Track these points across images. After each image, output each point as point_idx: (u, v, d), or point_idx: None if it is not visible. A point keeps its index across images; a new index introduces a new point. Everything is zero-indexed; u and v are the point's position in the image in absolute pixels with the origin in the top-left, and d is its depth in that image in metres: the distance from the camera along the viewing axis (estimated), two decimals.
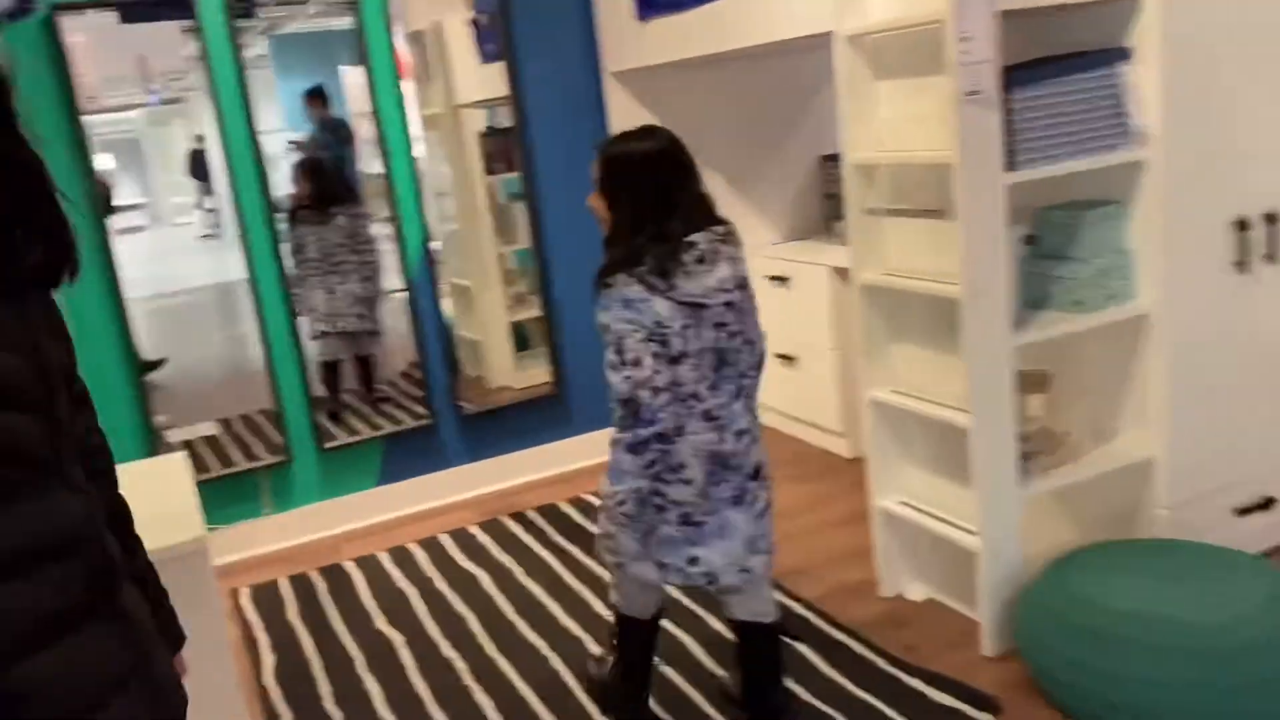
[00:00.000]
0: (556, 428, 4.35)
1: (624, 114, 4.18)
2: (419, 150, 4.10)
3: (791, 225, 4.59)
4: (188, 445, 3.95)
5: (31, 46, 3.34)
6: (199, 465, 3.88)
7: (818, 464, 4.11)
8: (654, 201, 2.07)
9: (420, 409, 4.11)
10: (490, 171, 4.34)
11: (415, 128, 4.04)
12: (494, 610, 3.19)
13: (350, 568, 3.63)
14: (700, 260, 2.05)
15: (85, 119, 3.43)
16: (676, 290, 2.03)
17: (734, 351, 2.12)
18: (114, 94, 3.68)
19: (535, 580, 3.36)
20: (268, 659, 3.06)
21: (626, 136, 2.20)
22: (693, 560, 2.18)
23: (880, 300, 2.88)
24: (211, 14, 3.57)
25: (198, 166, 4.08)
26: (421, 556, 3.65)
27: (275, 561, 3.77)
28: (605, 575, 3.29)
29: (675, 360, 2.05)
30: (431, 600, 3.31)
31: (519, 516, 3.89)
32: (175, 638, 1.33)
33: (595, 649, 2.88)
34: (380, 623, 3.20)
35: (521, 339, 4.45)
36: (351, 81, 4.02)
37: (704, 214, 2.13)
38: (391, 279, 4.13)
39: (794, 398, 4.38)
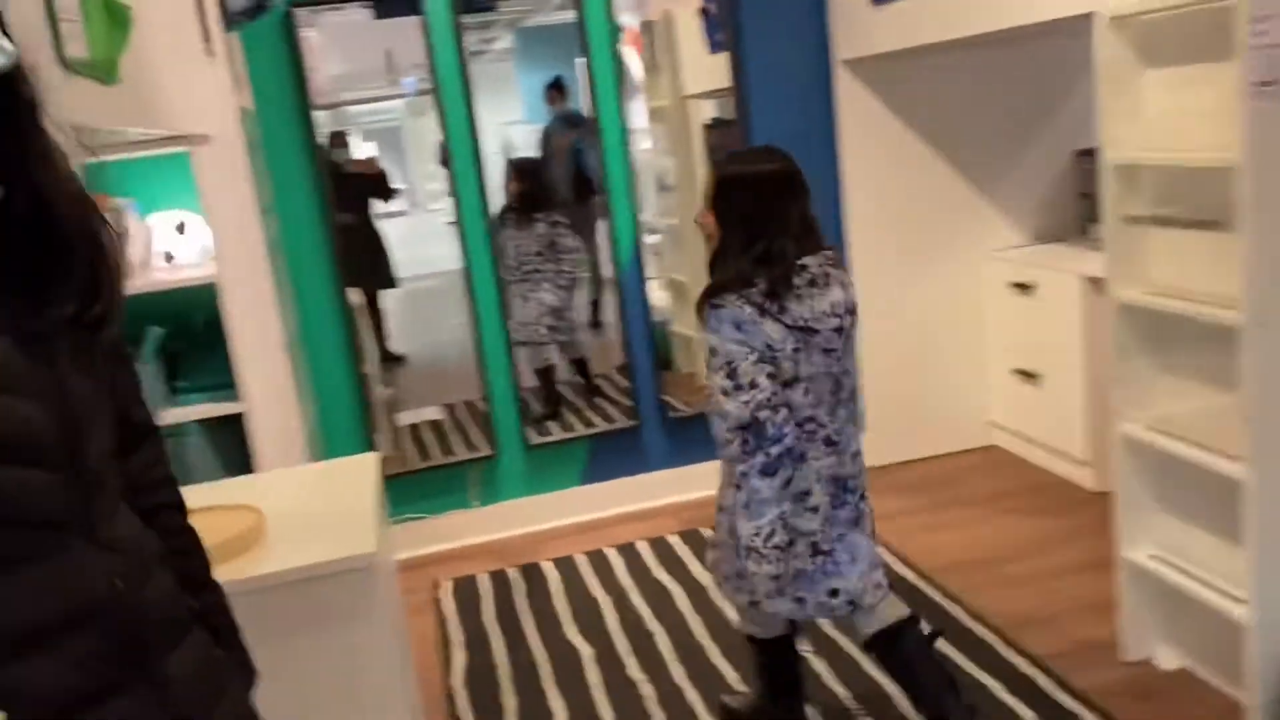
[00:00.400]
0: None
1: (854, 104, 3.90)
2: (644, 143, 4.01)
3: (1039, 226, 4.15)
4: (413, 429, 4.05)
5: (269, 43, 3.47)
6: (421, 451, 3.95)
7: (1056, 496, 3.69)
8: (766, 222, 2.02)
9: (628, 409, 4.01)
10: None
11: (641, 120, 3.96)
12: (685, 630, 3.03)
13: (548, 568, 3.57)
14: (812, 283, 2.01)
15: (349, 109, 3.55)
16: (787, 313, 1.98)
17: (844, 375, 2.08)
18: (362, 87, 3.80)
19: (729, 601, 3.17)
20: (458, 659, 3.04)
21: (746, 156, 2.18)
22: (833, 593, 2.13)
23: (1140, 322, 2.49)
24: (437, 9, 3.58)
25: (447, 155, 4.19)
26: (618, 563, 3.54)
27: (478, 555, 3.78)
28: None
29: (788, 384, 2.00)
30: (623, 612, 3.19)
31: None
32: (248, 674, 1.25)
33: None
34: (571, 631, 3.11)
35: None
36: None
37: (814, 237, 2.08)
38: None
39: (1033, 419, 3.96)
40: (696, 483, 4.04)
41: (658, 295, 4.08)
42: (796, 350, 1.99)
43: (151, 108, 2.30)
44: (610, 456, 4.00)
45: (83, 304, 0.95)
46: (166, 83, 2.55)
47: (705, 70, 4.03)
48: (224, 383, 2.98)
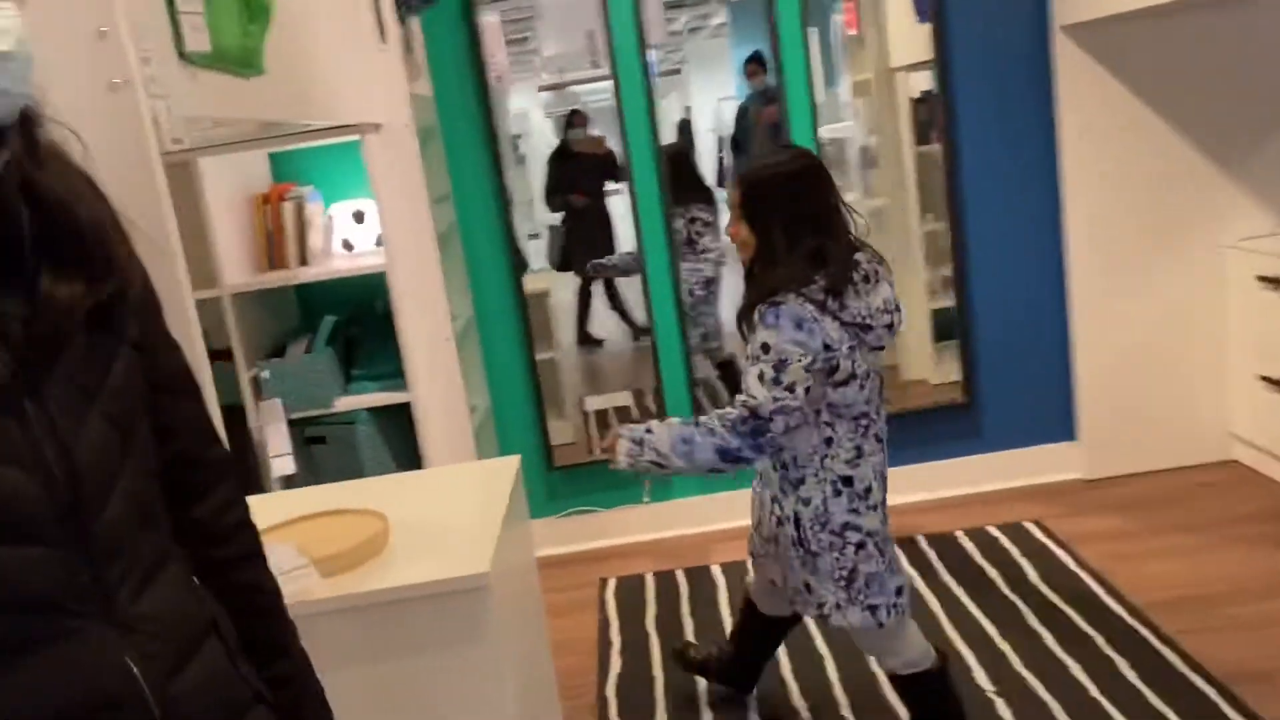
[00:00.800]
0: (963, 441, 3.80)
1: (1076, 75, 3.49)
2: (847, 118, 3.78)
3: None
4: (600, 415, 3.98)
5: (448, 29, 3.44)
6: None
7: None
8: (809, 220, 1.97)
9: None
10: (921, 141, 3.86)
11: (844, 94, 3.72)
12: (858, 659, 2.79)
13: (716, 573, 3.41)
14: (865, 279, 1.99)
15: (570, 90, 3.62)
16: (846, 310, 1.94)
17: (883, 372, 2.08)
18: (578, 67, 3.76)
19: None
20: (615, 665, 2.93)
21: (768, 157, 2.11)
22: (899, 590, 2.09)
23: None
24: None
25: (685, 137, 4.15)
26: None
27: (647, 553, 3.66)
28: (1000, 636, 2.77)
29: (844, 383, 1.96)
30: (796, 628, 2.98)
31: (907, 543, 3.43)
32: None
33: None
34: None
35: (945, 329, 3.95)
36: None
37: (849, 232, 2.04)
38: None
39: None
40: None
41: None
42: (851, 349, 1.95)
43: (311, 99, 2.28)
44: None
45: (90, 281, 0.83)
46: (333, 73, 2.54)
47: (914, 40, 3.72)
48: (396, 371, 2.98)
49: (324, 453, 3.11)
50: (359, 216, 3.28)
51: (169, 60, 1.55)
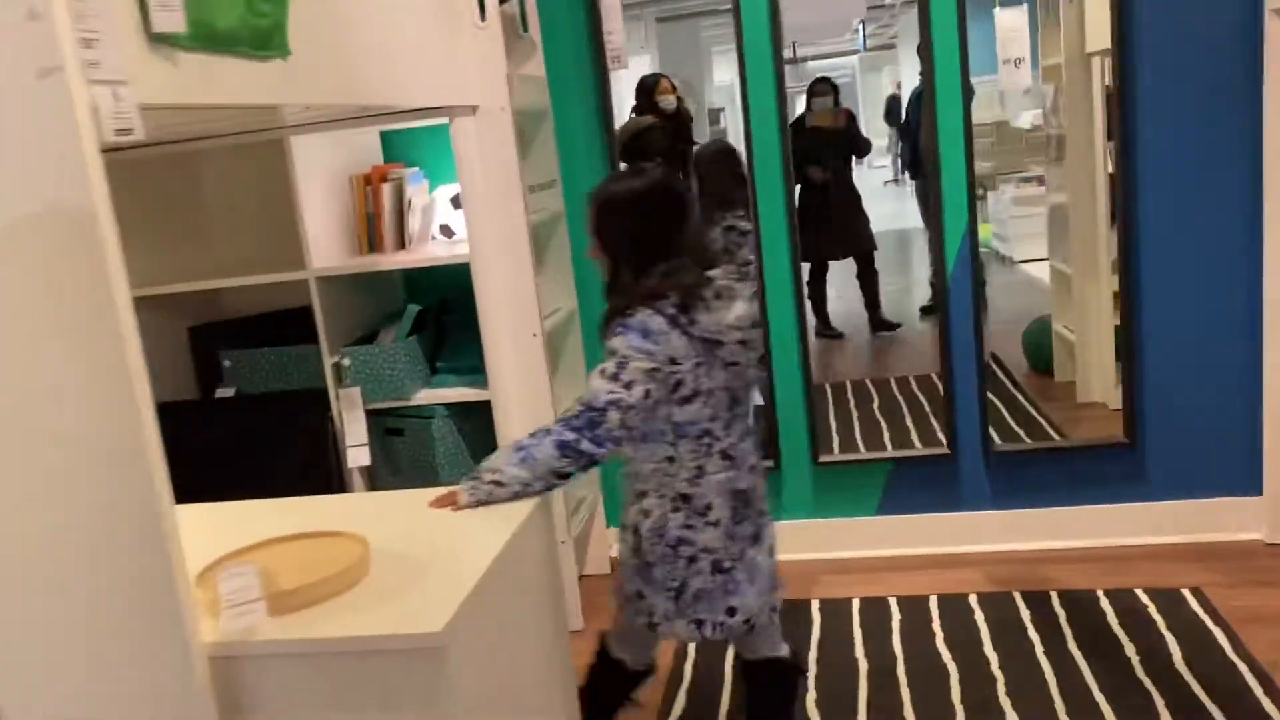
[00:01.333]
0: (1121, 484, 3.33)
1: None
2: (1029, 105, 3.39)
3: None
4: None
5: (566, 5, 3.25)
6: None
7: None
8: (656, 239, 1.99)
9: (939, 434, 3.40)
10: (1114, 135, 3.40)
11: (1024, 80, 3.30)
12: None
13: (814, 610, 3.11)
14: (718, 295, 2.00)
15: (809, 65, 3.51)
16: (696, 325, 1.96)
17: (744, 389, 2.08)
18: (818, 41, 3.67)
19: (1021, 703, 2.52)
20: (677, 706, 2.70)
21: (615, 179, 2.19)
22: (731, 611, 2.07)
23: None
24: None
25: (891, 113, 4.11)
26: (897, 621, 2.99)
27: None
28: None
29: (687, 400, 1.98)
30: (883, 690, 2.66)
31: (1037, 598, 3.02)
32: None
33: None
34: (812, 701, 2.65)
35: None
36: (1003, 24, 3.31)
37: (709, 253, 2.12)
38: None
39: None
40: (1021, 532, 3.36)
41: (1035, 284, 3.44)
42: (698, 365, 1.96)
43: (364, 81, 2.14)
44: (914, 487, 3.42)
45: None
46: (407, 54, 2.40)
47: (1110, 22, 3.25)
48: (481, 365, 2.84)
49: (401, 446, 3.01)
50: (457, 201, 3.15)
51: (132, 43, 1.42)
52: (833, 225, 3.85)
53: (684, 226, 2.02)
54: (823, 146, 3.75)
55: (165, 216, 3.24)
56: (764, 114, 3.20)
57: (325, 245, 2.99)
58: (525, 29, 3.20)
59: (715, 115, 3.96)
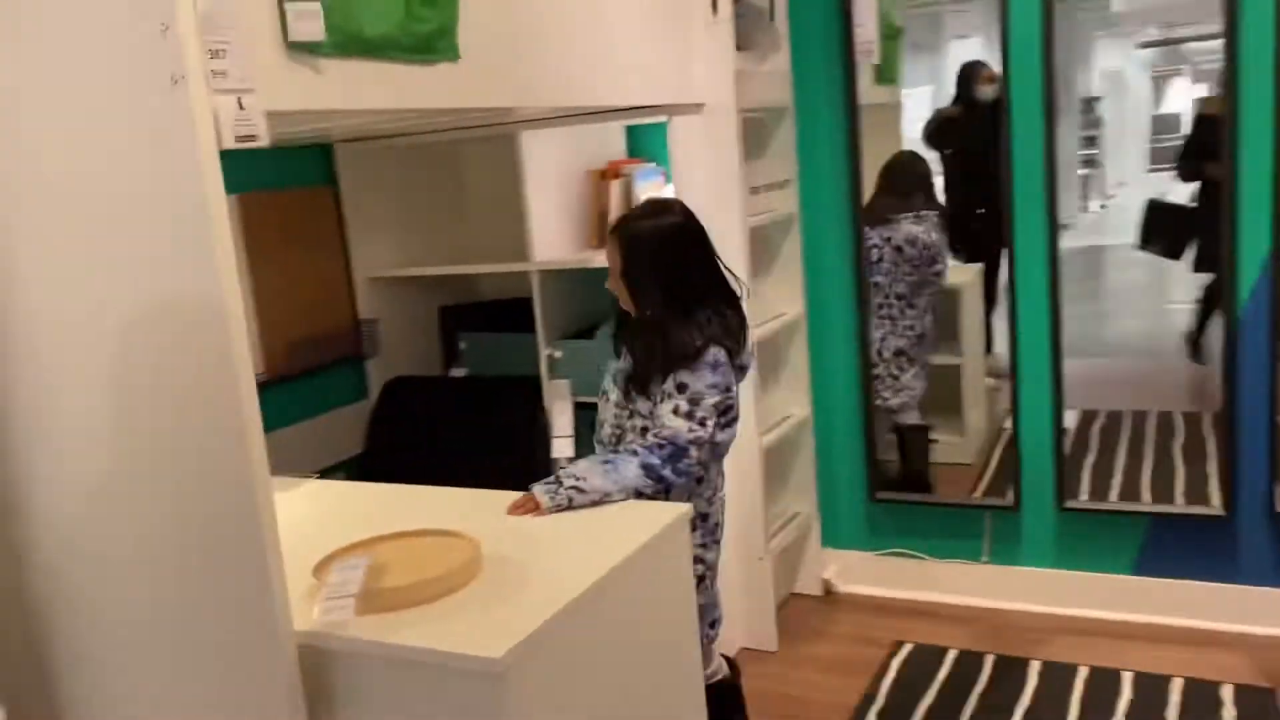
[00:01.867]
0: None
1: None
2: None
3: None
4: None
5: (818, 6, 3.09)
6: (945, 479, 3.35)
7: None
8: (696, 279, 2.06)
9: (1210, 490, 2.92)
10: None
11: None
12: None
13: (1032, 671, 2.78)
14: (742, 326, 2.11)
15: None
16: (739, 357, 2.07)
17: None
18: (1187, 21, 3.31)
19: None
20: None
21: (645, 214, 2.12)
22: (714, 623, 2.18)
23: None
24: None
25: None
26: (1126, 701, 2.60)
27: (964, 622, 3.10)
28: None
29: (730, 424, 2.05)
30: None
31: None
32: None
33: None
34: None
35: None
36: None
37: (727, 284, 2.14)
38: None
39: None
40: None
41: None
42: (738, 389, 2.07)
43: (550, 81, 2.14)
44: (1180, 547, 2.96)
45: None
46: (613, 53, 2.38)
47: None
48: None
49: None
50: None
51: (268, 52, 1.48)
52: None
53: (714, 262, 2.11)
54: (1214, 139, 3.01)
55: (427, 203, 3.44)
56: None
57: (552, 239, 3.04)
58: (772, 18, 3.07)
59: (1088, 104, 3.57)
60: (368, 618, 1.54)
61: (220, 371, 1.41)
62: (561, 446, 2.94)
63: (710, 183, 2.80)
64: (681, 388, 1.99)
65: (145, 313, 1.45)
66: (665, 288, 2.03)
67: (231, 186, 2.83)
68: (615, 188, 3.07)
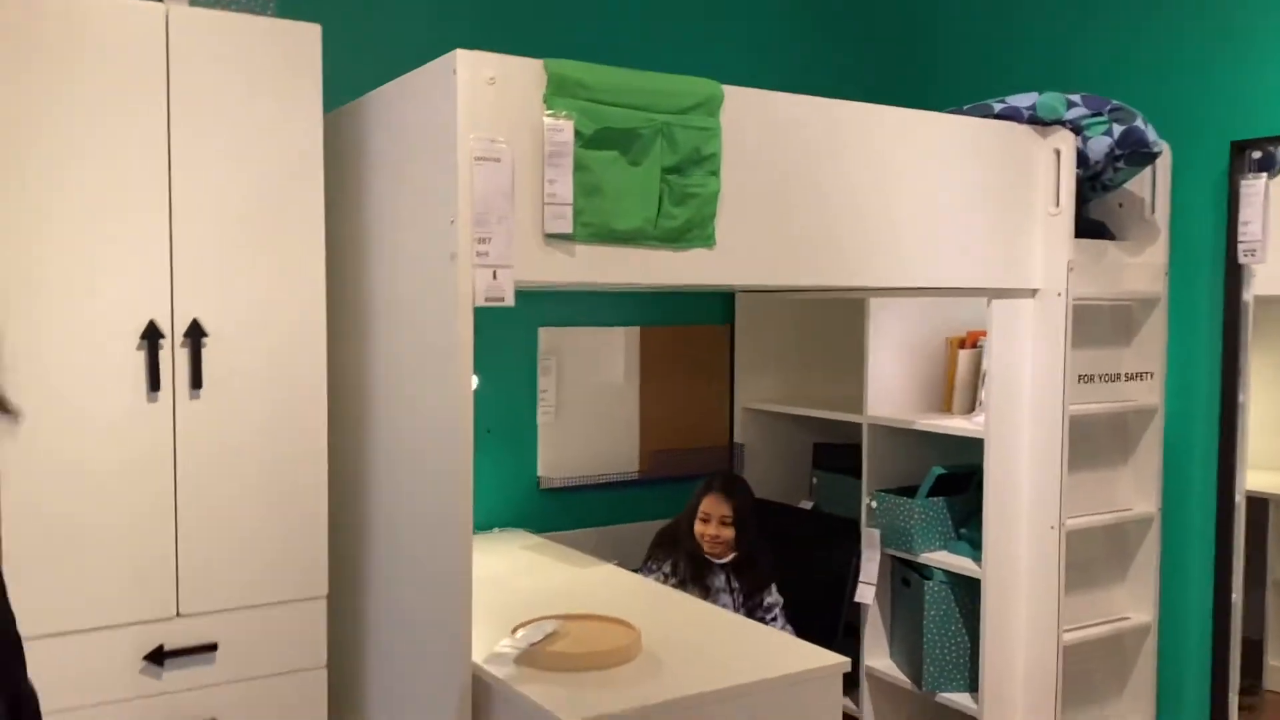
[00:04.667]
0: None
1: None
2: None
3: None
4: None
5: (1199, 190, 2.95)
6: None
7: None
8: None
9: None
10: None
11: None
12: None
13: None
14: None
15: None
16: None
17: None
18: None
19: None
20: None
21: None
22: None
23: None
24: None
25: None
26: None
27: None
28: None
29: None
30: None
31: None
32: None
33: None
34: None
35: None
36: None
37: None
38: None
39: None
40: None
41: None
42: None
43: (830, 262, 2.45)
44: None
45: None
46: (950, 236, 2.61)
47: None
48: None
49: (904, 597, 3.12)
50: None
51: (530, 240, 2.04)
52: None
53: None
54: None
55: (811, 348, 3.84)
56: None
57: (894, 396, 3.25)
58: (1153, 211, 3.02)
59: None
60: (525, 668, 2.00)
61: (457, 453, 1.99)
62: (864, 592, 3.15)
63: (1033, 367, 2.84)
64: (776, 604, 2.98)
65: (437, 390, 2.10)
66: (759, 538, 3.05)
67: (634, 319, 3.63)
68: (963, 358, 3.20)
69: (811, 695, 2.06)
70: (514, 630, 2.15)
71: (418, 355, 2.15)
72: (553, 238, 2.07)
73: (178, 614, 2.16)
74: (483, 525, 3.25)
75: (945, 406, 3.31)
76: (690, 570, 2.97)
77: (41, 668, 2.00)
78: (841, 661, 2.10)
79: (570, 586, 2.65)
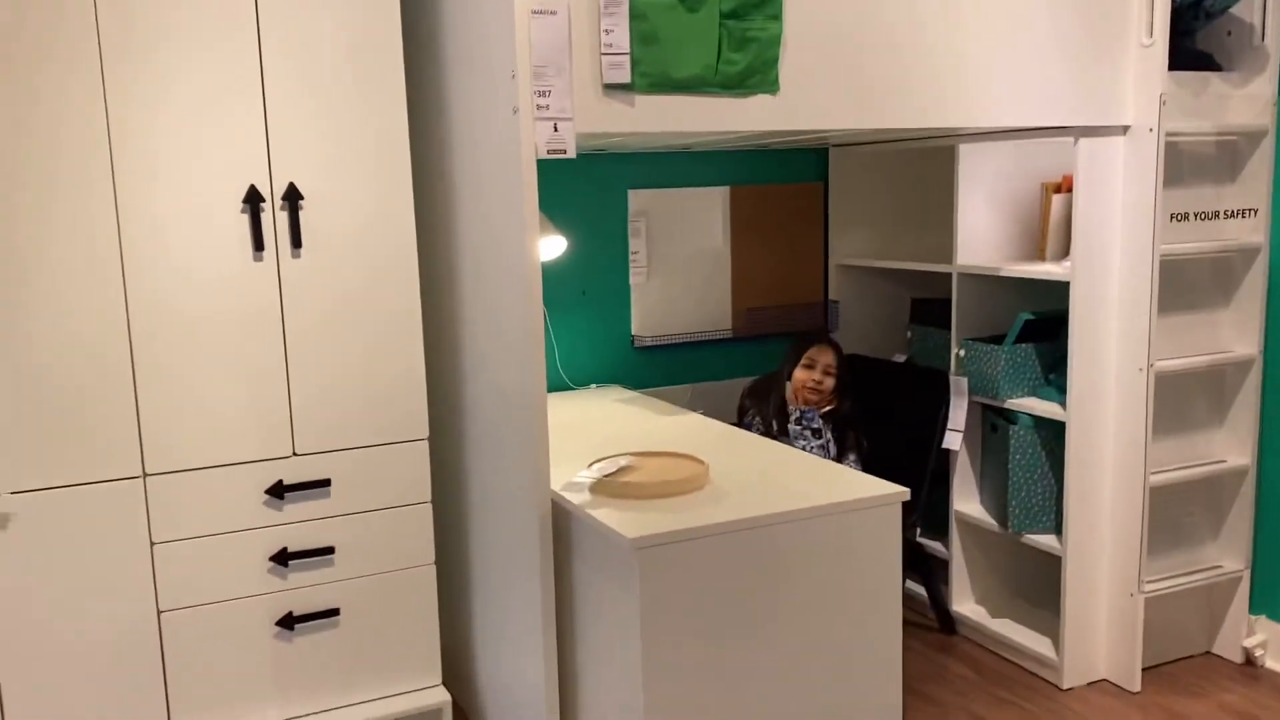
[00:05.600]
0: None
1: None
2: None
3: None
4: None
5: None
6: None
7: None
8: None
9: None
10: None
11: None
12: None
13: None
14: None
15: None
16: None
17: None
18: None
19: None
20: None
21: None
22: None
23: None
24: None
25: None
26: None
27: None
28: None
29: None
30: None
31: None
32: None
33: None
34: None
35: None
36: None
37: None
38: None
39: None
40: None
41: None
42: None
43: (928, 103, 2.44)
44: None
45: None
46: (1027, 73, 2.56)
47: None
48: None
49: (991, 443, 3.14)
50: None
51: (588, 91, 2.12)
52: None
53: None
54: None
55: (907, 202, 3.80)
56: None
57: (986, 244, 3.21)
58: (1262, 37, 2.85)
59: None
60: (598, 496, 2.16)
61: (529, 310, 2.13)
62: (951, 439, 3.19)
63: (1123, 207, 2.77)
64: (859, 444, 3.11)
65: (509, 242, 2.24)
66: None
67: (724, 179, 3.69)
68: (1056, 202, 3.13)
69: (872, 523, 2.16)
70: (590, 464, 2.31)
71: (491, 210, 2.28)
72: (611, 88, 2.14)
73: (294, 453, 2.39)
74: (579, 381, 3.42)
75: (1039, 254, 3.26)
76: (780, 422, 3.07)
77: (183, 499, 2.28)
78: (900, 491, 2.18)
79: (653, 431, 2.79)
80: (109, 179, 2.15)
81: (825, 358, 3.11)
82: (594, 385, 3.44)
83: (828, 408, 3.10)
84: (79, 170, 2.13)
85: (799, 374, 3.11)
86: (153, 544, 2.28)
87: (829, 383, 3.10)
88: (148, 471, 2.26)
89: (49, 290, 2.13)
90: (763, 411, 3.15)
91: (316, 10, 2.29)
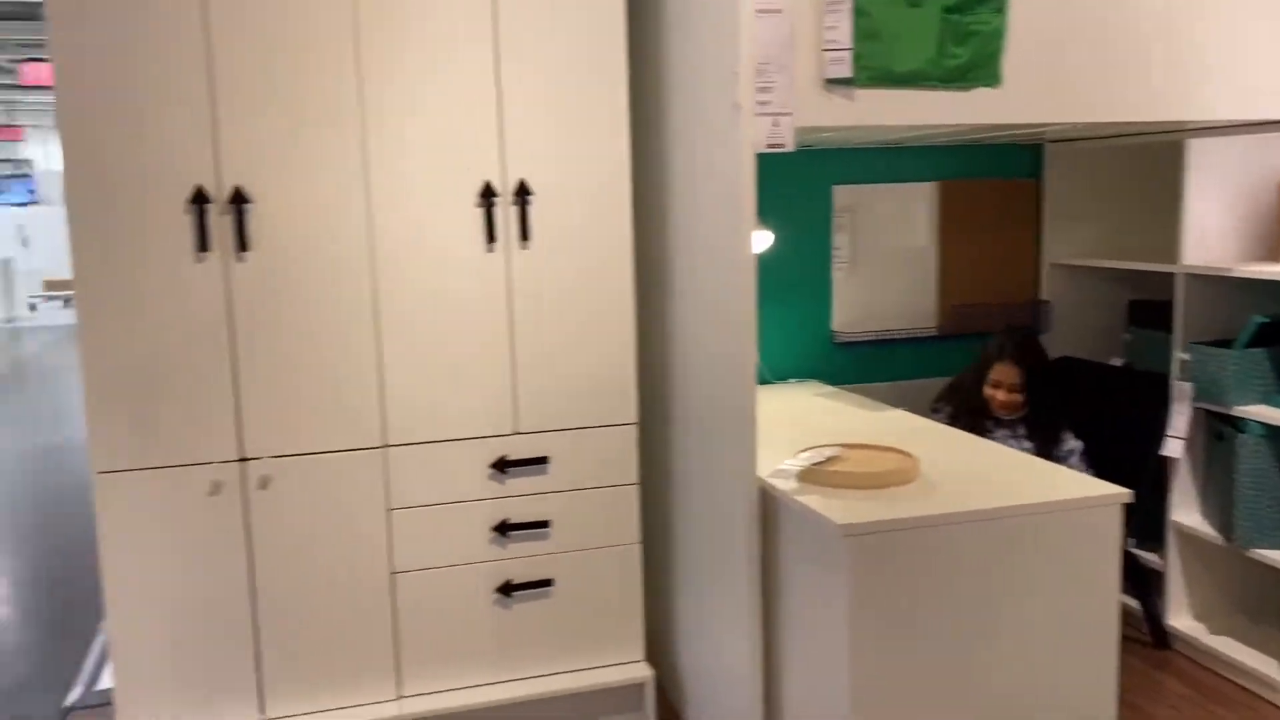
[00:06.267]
0: None
1: None
2: None
3: None
4: None
5: None
6: None
7: None
8: None
9: None
10: None
11: None
12: None
13: None
14: None
15: None
16: None
17: None
18: None
19: None
20: None
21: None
22: None
23: None
24: None
25: None
26: None
27: None
28: None
29: None
30: None
31: None
32: None
33: None
34: None
35: None
36: None
37: None
38: None
39: None
40: None
41: None
42: None
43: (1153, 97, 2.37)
44: None
45: None
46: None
47: None
48: None
49: (1217, 451, 2.98)
50: None
51: (809, 86, 2.16)
52: None
53: None
54: None
55: (1128, 201, 3.64)
56: None
57: (1213, 244, 3.03)
58: None
59: None
60: (806, 484, 2.21)
61: (743, 302, 2.19)
62: (1172, 446, 3.06)
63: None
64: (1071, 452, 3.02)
65: (726, 236, 2.31)
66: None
67: (933, 175, 3.69)
68: None
69: (1091, 524, 2.11)
70: (798, 453, 2.35)
71: (707, 205, 2.36)
72: (832, 83, 2.18)
73: (516, 431, 2.55)
74: (779, 376, 3.46)
75: (1275, 254, 3.08)
76: (969, 422, 3.03)
77: (418, 469, 2.47)
78: (1122, 492, 2.12)
79: (857, 425, 2.81)
80: (364, 188, 2.36)
81: (1010, 377, 3.08)
82: (793, 380, 3.47)
83: (1021, 414, 3.09)
84: (341, 180, 2.34)
85: (987, 391, 3.11)
86: (389, 509, 2.48)
87: (1016, 398, 3.09)
88: (389, 443, 2.46)
89: (316, 283, 2.35)
90: (955, 409, 3.13)
91: (549, 22, 2.43)
